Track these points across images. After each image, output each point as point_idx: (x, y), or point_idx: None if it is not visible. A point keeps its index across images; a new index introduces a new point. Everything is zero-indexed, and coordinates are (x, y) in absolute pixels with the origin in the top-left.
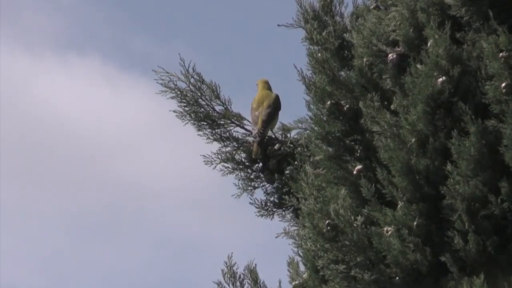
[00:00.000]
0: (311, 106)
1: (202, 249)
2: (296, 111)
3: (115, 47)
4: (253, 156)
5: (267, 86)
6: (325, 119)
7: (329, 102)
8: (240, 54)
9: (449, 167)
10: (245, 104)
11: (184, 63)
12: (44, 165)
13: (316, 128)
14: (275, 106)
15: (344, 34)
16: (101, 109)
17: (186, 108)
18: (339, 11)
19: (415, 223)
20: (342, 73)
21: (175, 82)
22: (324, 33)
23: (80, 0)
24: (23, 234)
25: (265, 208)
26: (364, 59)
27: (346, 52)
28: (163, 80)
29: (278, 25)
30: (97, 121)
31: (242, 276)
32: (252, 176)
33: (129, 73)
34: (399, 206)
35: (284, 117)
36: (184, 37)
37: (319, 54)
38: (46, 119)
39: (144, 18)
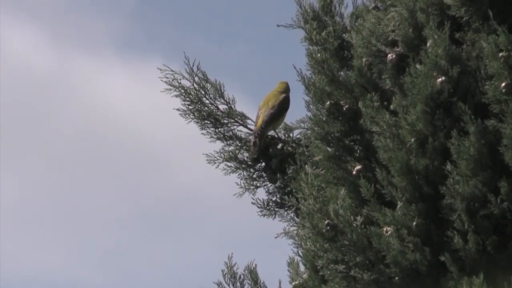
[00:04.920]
0: (311, 106)
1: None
2: (297, 111)
3: (176, 49)
4: (249, 156)
5: (283, 86)
6: (324, 119)
7: (328, 102)
8: (241, 54)
9: (448, 167)
10: (248, 103)
11: (188, 61)
12: (105, 160)
13: (315, 128)
14: (281, 107)
15: (344, 35)
16: (161, 110)
17: (190, 107)
18: (339, 12)
19: (414, 223)
20: (342, 73)
21: (179, 81)
22: (323, 33)
23: (142, 3)
24: (82, 229)
25: (267, 208)
26: (364, 59)
27: (345, 52)
28: (167, 78)
29: (278, 25)
30: (157, 120)
31: (242, 276)
32: (254, 176)
33: None
34: (398, 206)
35: (286, 117)
36: (244, 38)
37: (319, 54)
38: (109, 117)
39: (203, 20)
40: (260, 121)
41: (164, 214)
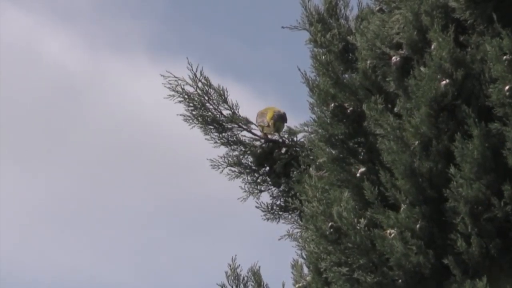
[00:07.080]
0: (315, 108)
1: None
2: (301, 114)
3: (208, 52)
4: (268, 133)
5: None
6: (328, 121)
7: (332, 105)
8: (241, 56)
9: (452, 170)
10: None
11: (192, 67)
12: (136, 160)
13: (319, 130)
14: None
15: (348, 37)
16: None
17: (194, 112)
18: (344, 14)
19: (418, 225)
20: (346, 75)
21: (182, 86)
22: (328, 36)
23: (174, 6)
24: (112, 229)
25: (271, 211)
26: (368, 62)
27: (350, 54)
28: (170, 84)
29: (283, 27)
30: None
31: (245, 278)
32: (259, 180)
33: (222, 78)
34: (402, 208)
35: (290, 121)
36: (274, 43)
37: (323, 57)
38: (140, 119)
39: (236, 24)
40: (271, 113)
41: (195, 214)
